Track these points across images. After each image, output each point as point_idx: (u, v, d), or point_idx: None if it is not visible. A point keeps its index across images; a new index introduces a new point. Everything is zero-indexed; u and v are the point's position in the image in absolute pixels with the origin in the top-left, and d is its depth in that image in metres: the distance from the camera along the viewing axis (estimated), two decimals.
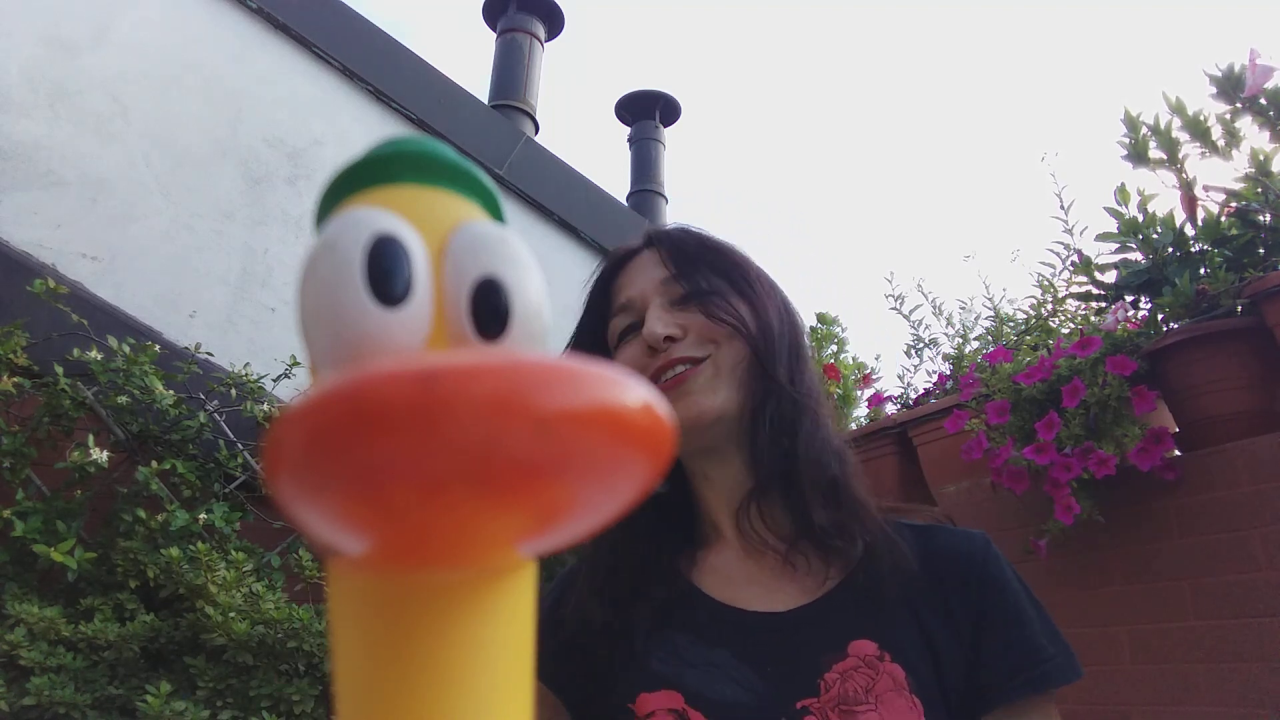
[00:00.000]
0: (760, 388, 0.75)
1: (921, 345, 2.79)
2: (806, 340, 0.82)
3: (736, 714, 0.65)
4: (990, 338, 2.60)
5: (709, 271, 0.79)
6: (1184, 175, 1.93)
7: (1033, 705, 0.66)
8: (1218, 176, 1.88)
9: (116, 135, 2.64)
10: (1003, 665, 0.66)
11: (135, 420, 2.06)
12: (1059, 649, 0.68)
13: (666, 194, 6.69)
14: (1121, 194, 1.99)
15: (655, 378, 0.74)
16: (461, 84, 3.60)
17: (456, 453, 0.18)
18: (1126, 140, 1.98)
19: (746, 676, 0.67)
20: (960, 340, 2.71)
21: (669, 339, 0.74)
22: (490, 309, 0.25)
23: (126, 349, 2.03)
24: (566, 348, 0.84)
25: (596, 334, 0.81)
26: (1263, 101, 1.80)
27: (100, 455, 1.85)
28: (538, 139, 4.48)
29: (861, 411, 2.96)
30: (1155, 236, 1.92)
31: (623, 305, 0.80)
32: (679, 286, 0.78)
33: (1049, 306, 2.41)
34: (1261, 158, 1.79)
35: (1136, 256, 1.98)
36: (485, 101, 4.31)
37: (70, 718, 1.61)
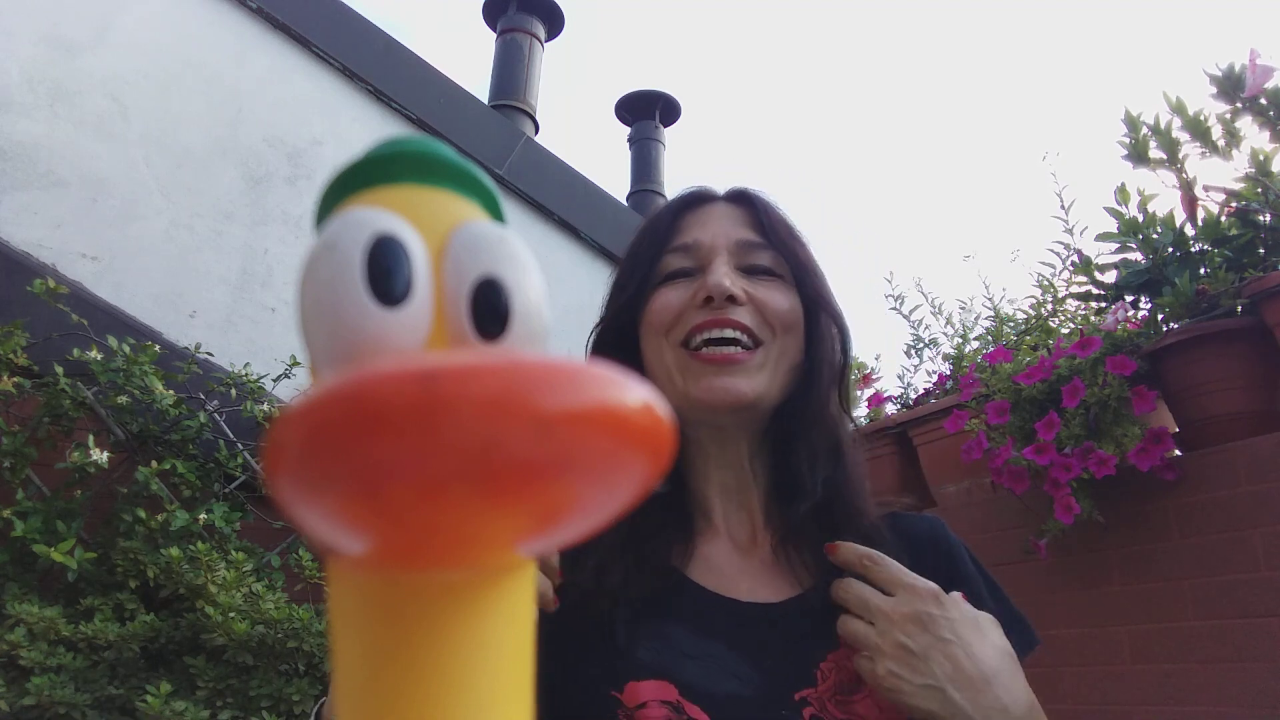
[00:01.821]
0: (805, 401, 0.74)
1: (921, 345, 2.80)
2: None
3: (735, 708, 0.63)
4: (990, 338, 2.60)
5: (795, 255, 0.74)
6: (1184, 175, 1.93)
7: None
8: (1218, 176, 1.89)
9: (116, 135, 2.64)
10: None
11: (135, 420, 2.06)
12: (1016, 620, 0.72)
13: (666, 194, 6.70)
14: (1121, 194, 1.99)
15: (698, 330, 0.70)
16: (461, 84, 3.60)
17: (456, 453, 0.18)
18: (1126, 140, 1.98)
19: (743, 669, 0.65)
20: (960, 340, 2.72)
21: (731, 299, 0.69)
22: (490, 309, 0.25)
23: (126, 349, 2.03)
24: (614, 276, 0.80)
25: (645, 267, 0.75)
26: (1263, 101, 1.80)
27: (100, 455, 1.85)
28: (538, 139, 4.47)
29: (861, 412, 2.96)
30: (1155, 236, 1.92)
31: (684, 245, 0.74)
32: (761, 256, 0.73)
33: (1049, 306, 2.41)
34: (1261, 158, 1.79)
35: (1136, 256, 1.98)
36: (485, 101, 4.31)
37: (70, 718, 1.61)
